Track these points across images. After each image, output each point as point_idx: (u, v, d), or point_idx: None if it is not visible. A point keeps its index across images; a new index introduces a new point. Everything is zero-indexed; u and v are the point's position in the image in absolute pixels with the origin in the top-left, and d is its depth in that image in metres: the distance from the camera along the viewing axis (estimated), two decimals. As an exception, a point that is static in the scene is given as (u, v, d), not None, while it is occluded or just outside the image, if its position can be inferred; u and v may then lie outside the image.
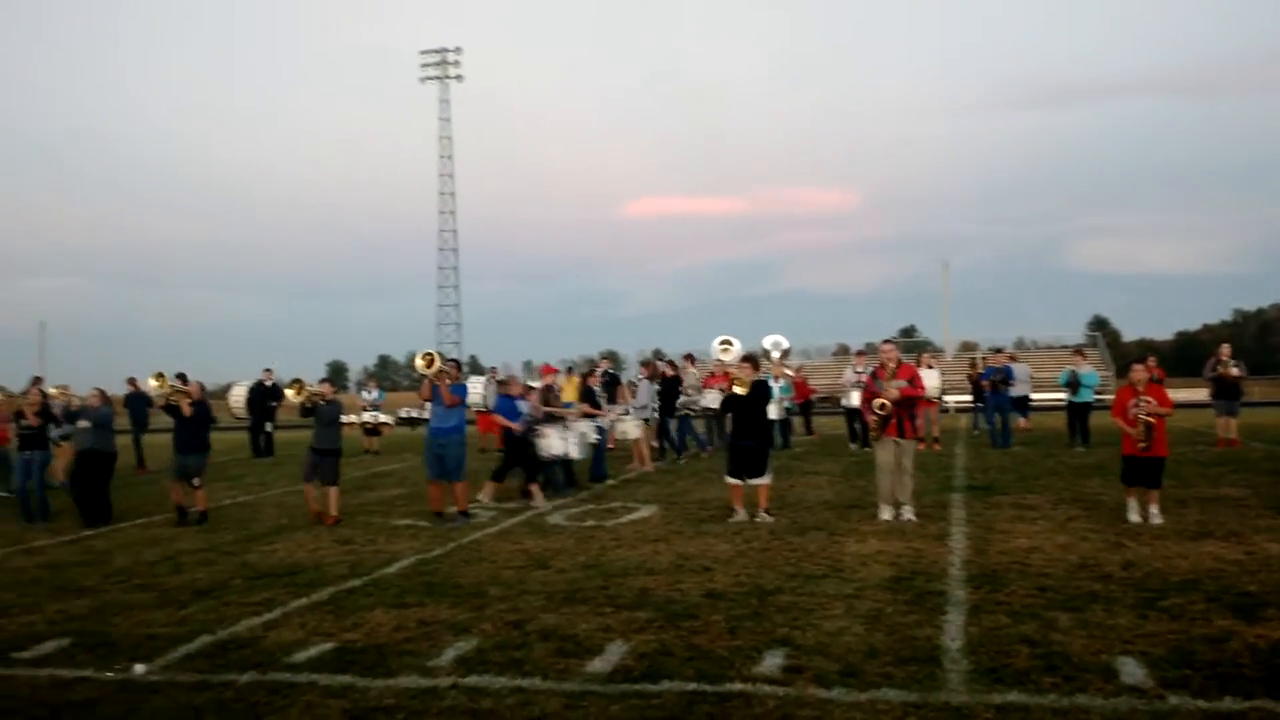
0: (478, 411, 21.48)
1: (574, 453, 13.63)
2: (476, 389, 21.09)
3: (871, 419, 10.39)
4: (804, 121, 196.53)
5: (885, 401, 10.18)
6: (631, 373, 32.61)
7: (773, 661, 5.54)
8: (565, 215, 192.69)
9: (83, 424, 12.54)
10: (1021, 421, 21.06)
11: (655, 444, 18.00)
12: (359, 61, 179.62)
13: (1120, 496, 10.21)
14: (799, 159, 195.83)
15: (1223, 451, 16.60)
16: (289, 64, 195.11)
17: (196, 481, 12.06)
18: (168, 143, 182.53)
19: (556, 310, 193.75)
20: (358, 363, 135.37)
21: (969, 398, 24.21)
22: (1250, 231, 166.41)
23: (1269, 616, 6.14)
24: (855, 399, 17.71)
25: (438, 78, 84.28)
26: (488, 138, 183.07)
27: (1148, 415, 9.54)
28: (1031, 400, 21.79)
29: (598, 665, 5.61)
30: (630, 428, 16.66)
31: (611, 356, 77.49)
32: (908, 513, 10.28)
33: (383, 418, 23.86)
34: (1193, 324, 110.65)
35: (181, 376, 12.65)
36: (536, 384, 14.92)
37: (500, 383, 23.38)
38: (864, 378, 13.73)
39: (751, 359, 11.68)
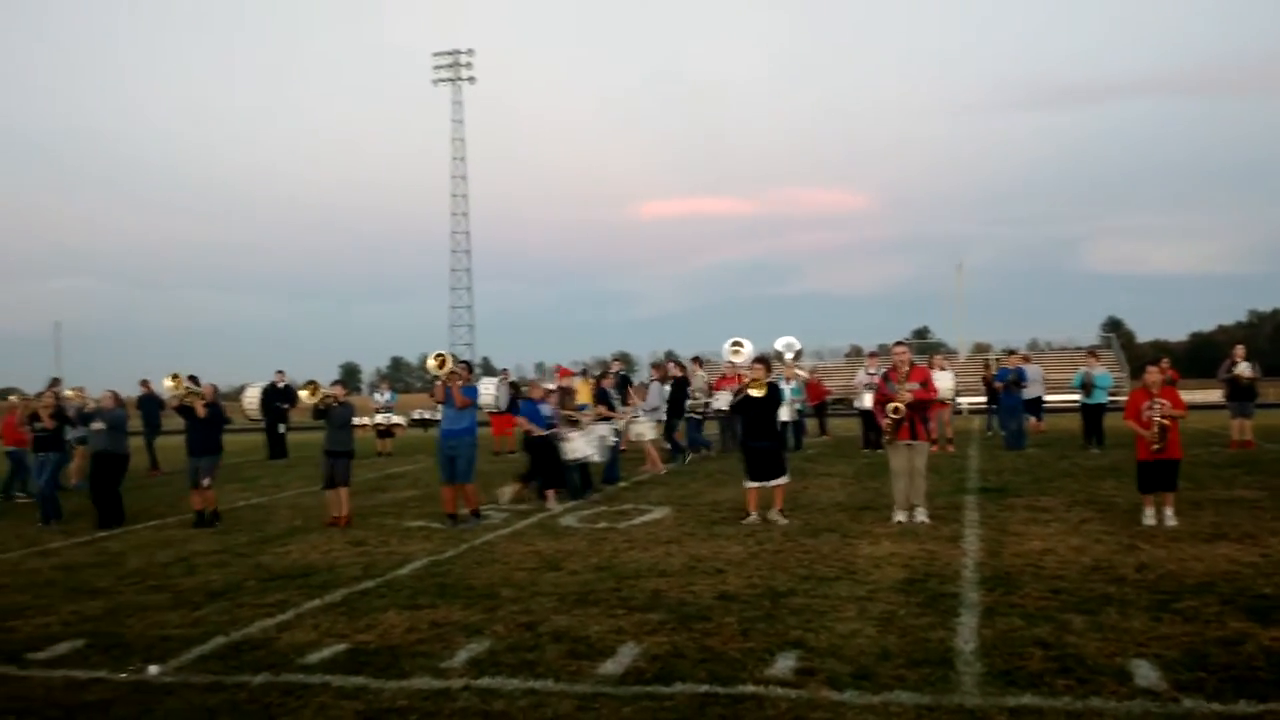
0: (490, 414, 21.51)
1: (596, 455, 13.64)
2: (489, 391, 21.13)
3: (885, 422, 10.37)
4: (814, 122, 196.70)
5: (899, 405, 10.16)
6: (643, 374, 32.61)
7: (785, 664, 5.53)
8: (576, 216, 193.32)
9: (96, 426, 12.60)
10: (1032, 421, 20.96)
11: (667, 445, 17.99)
12: (372, 64, 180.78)
13: (1134, 498, 10.16)
14: (811, 160, 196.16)
15: (1237, 453, 16.49)
16: (313, 68, 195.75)
17: (206, 481, 12.11)
18: (173, 144, 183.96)
19: (568, 311, 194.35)
20: (370, 364, 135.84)
21: (983, 399, 24.15)
22: (1266, 232, 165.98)
23: (1285, 619, 6.10)
24: (868, 401, 17.67)
25: (450, 79, 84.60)
26: (499, 139, 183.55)
27: (1162, 418, 9.49)
28: (1045, 402, 21.69)
29: (610, 667, 5.61)
30: (646, 429, 16.67)
31: (623, 358, 77.55)
32: (921, 514, 10.26)
33: (395, 419, 23.92)
34: (1207, 325, 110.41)
35: (193, 379, 12.71)
36: (552, 386, 14.93)
37: (512, 385, 23.51)
38: (876, 379, 13.69)
39: (764, 360, 11.67)
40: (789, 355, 18.94)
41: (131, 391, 21.12)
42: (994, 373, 20.59)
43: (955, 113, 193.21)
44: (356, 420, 13.12)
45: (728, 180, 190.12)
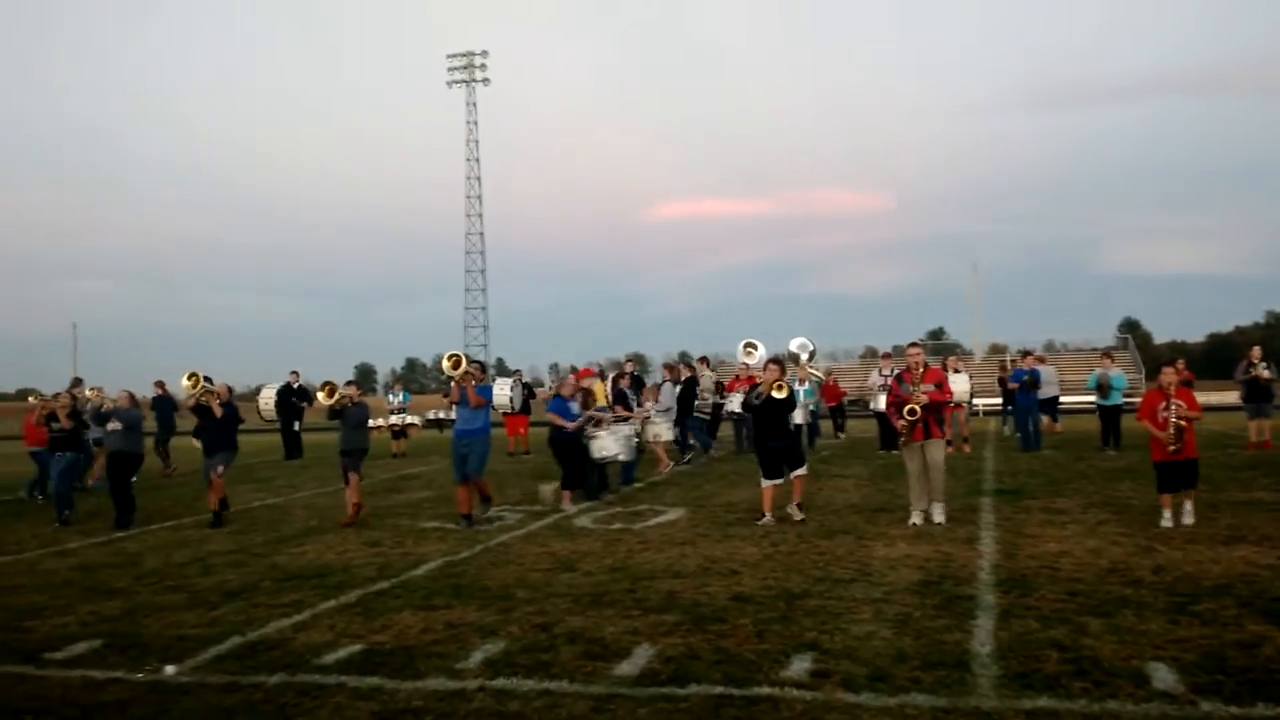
0: (505, 414, 21.57)
1: (624, 455, 13.64)
2: (503, 391, 21.18)
3: (900, 424, 10.33)
4: (829, 122, 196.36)
5: (915, 407, 10.12)
6: (657, 375, 32.59)
7: (800, 665, 5.52)
8: (591, 218, 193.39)
9: (113, 426, 12.68)
10: (1047, 422, 20.86)
11: (676, 446, 17.99)
12: (387, 66, 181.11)
13: (1152, 500, 10.10)
14: (826, 160, 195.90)
15: (1255, 455, 16.38)
16: (329, 71, 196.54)
17: (220, 469, 12.15)
18: (189, 147, 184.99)
19: (582, 312, 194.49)
20: (385, 365, 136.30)
21: (998, 401, 24.04)
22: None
23: (1304, 622, 6.06)
24: (883, 402, 17.62)
25: (465, 81, 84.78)
26: (515, 140, 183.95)
27: (1178, 419, 9.44)
28: (1061, 403, 21.58)
29: (625, 668, 5.61)
30: (663, 430, 16.68)
31: (637, 359, 77.55)
32: (938, 513, 10.21)
33: (410, 419, 23.97)
34: (1224, 326, 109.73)
35: (208, 379, 12.78)
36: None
37: (525, 385, 23.55)
38: (890, 380, 13.66)
39: (778, 361, 11.66)
40: (804, 356, 18.90)
41: (147, 392, 21.22)
42: (1009, 374, 20.50)
43: (973, 113, 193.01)
44: (371, 422, 13.15)
45: (742, 181, 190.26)
